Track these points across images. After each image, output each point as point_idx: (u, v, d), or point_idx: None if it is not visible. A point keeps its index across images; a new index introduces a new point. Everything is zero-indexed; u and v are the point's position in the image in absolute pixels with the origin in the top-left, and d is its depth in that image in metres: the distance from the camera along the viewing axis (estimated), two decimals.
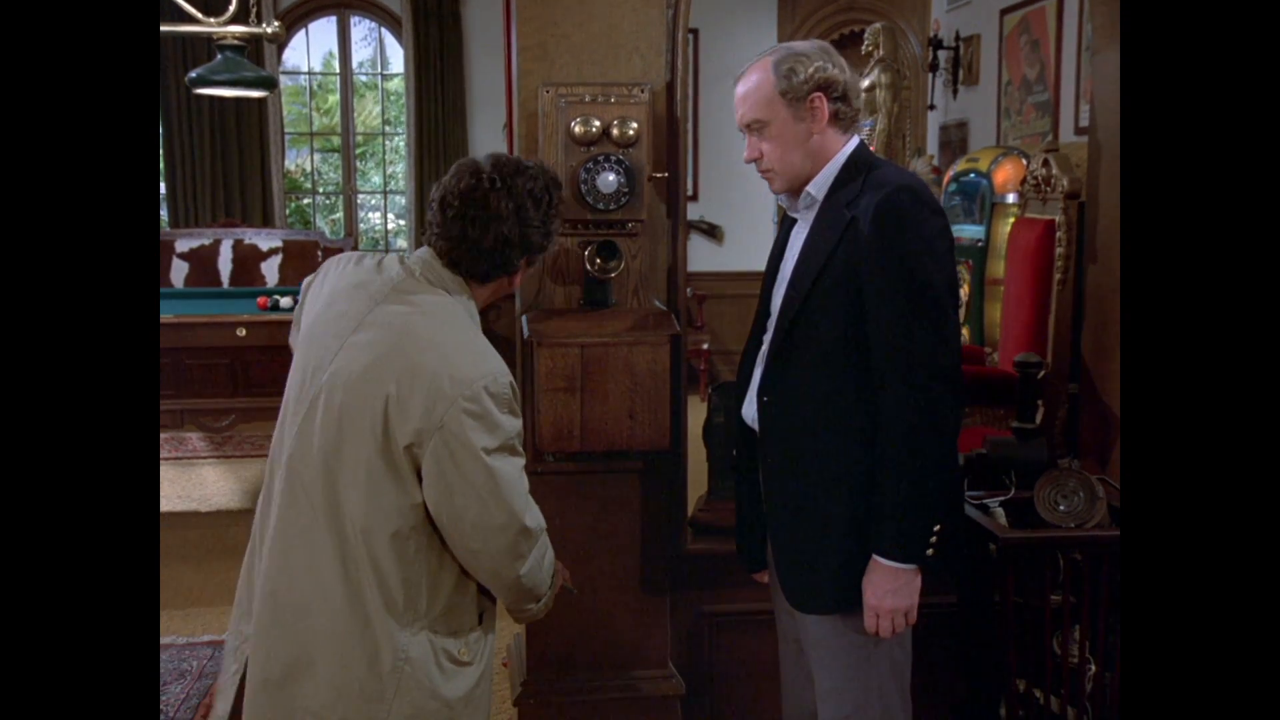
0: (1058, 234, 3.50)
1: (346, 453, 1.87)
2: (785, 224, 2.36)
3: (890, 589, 2.08)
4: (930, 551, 2.06)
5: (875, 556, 2.09)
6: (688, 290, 2.94)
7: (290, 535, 1.91)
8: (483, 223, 1.93)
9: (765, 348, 2.27)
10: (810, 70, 2.12)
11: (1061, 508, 2.36)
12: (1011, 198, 4.75)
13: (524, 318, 2.70)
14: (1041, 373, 3.08)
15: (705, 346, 7.49)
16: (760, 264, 2.42)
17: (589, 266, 2.64)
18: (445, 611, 1.93)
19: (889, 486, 2.06)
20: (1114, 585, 2.31)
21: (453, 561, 1.92)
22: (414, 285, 1.95)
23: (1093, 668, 2.37)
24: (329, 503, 1.88)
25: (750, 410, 2.31)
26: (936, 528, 2.07)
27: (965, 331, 4.84)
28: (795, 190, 2.22)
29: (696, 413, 2.98)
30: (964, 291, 5.05)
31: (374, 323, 1.91)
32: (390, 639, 1.87)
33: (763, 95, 2.15)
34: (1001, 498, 2.53)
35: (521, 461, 1.92)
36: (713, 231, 8.49)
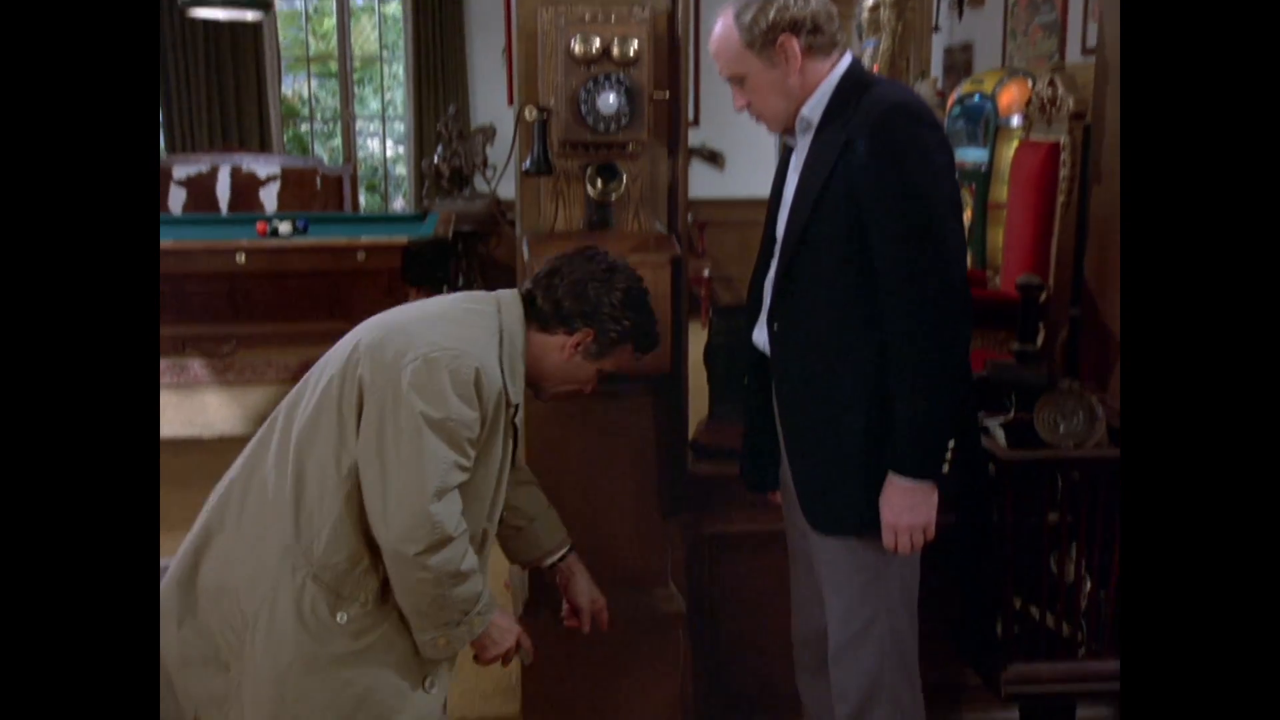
0: (1062, 156, 3.47)
1: (319, 387, 1.99)
2: (787, 149, 2.35)
3: (907, 506, 2.10)
4: (946, 468, 2.08)
5: (891, 474, 2.11)
6: (689, 217, 2.92)
7: (254, 451, 2.06)
8: (575, 266, 2.11)
9: (772, 273, 2.26)
10: (771, 15, 2.08)
11: (1061, 428, 2.37)
12: (1016, 120, 4.69)
13: (524, 240, 2.69)
14: (1043, 295, 3.08)
15: (706, 274, 7.47)
16: (763, 190, 2.41)
17: (589, 189, 2.63)
18: (334, 571, 1.94)
19: (902, 405, 2.08)
20: (1111, 504, 2.33)
21: (364, 531, 1.94)
22: (479, 307, 2.09)
23: (1088, 585, 2.40)
24: (286, 422, 2.02)
25: (761, 336, 2.31)
26: (951, 443, 2.09)
27: (968, 256, 4.82)
28: (790, 125, 2.21)
29: (698, 339, 2.98)
30: (966, 216, 5.02)
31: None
32: (277, 560, 1.94)
33: (730, 50, 2.14)
34: (1001, 419, 2.54)
35: (456, 459, 1.91)
36: (714, 158, 8.42)
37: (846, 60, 2.16)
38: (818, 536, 2.28)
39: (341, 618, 1.94)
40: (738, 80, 2.16)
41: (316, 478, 1.95)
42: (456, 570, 1.93)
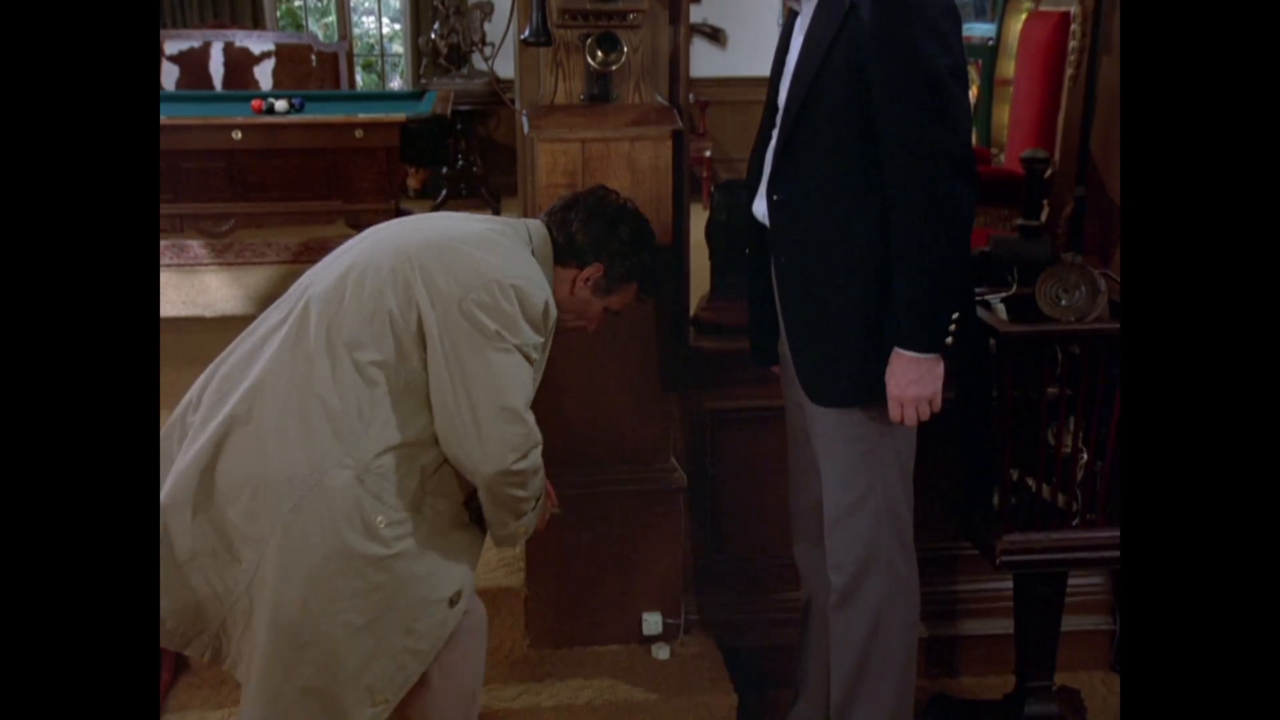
0: (1072, 26, 3.40)
1: (364, 294, 1.98)
2: (790, 19, 2.30)
3: (913, 378, 2.12)
4: (950, 340, 2.10)
5: (896, 348, 2.12)
6: (690, 96, 2.88)
7: (285, 343, 2.00)
8: (588, 202, 2.19)
9: (773, 144, 2.24)
10: None
11: (1063, 302, 2.36)
12: None
13: (523, 113, 2.65)
14: (1048, 171, 3.04)
15: (708, 154, 7.37)
16: (765, 69, 2.36)
17: (589, 59, 2.57)
18: (378, 474, 1.94)
19: (905, 277, 2.08)
20: (1111, 378, 2.34)
21: (411, 438, 1.97)
22: (515, 234, 2.13)
23: (1085, 457, 2.43)
24: (324, 319, 1.98)
25: (761, 207, 2.30)
26: (955, 315, 2.10)
27: (973, 134, 4.76)
28: None
29: (699, 220, 2.96)
30: (973, 93, 4.94)
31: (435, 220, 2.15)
32: (320, 458, 1.92)
33: None
34: (1003, 294, 2.53)
35: (532, 374, 2.03)
36: (716, 35, 8.24)
37: None
38: (815, 409, 2.30)
39: (380, 521, 1.94)
40: None
41: (369, 385, 1.94)
42: (539, 465, 2.07)
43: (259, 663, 1.94)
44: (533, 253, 2.13)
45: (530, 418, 2.01)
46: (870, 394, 2.21)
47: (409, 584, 1.99)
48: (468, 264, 1.97)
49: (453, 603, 2.04)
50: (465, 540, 2.11)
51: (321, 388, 1.93)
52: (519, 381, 1.98)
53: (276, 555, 1.91)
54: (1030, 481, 2.47)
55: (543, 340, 2.04)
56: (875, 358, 2.18)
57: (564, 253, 2.17)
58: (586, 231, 2.16)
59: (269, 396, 1.95)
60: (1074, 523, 2.47)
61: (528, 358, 2.00)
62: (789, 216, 2.21)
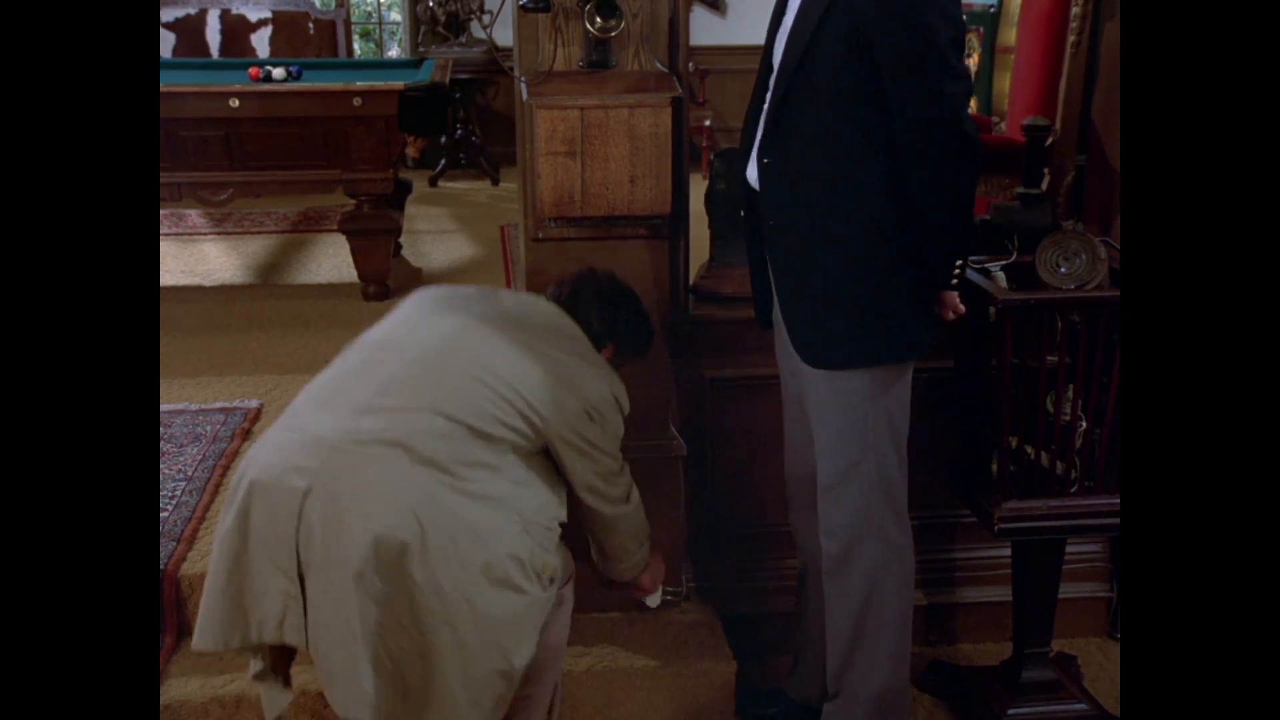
0: None
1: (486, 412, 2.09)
2: None
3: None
4: (955, 280, 2.24)
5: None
6: (690, 65, 2.86)
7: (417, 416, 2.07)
8: (594, 285, 2.38)
9: (766, 106, 2.25)
10: None
11: (1063, 269, 2.36)
12: None
13: (522, 81, 2.64)
14: (1049, 138, 3.03)
15: (707, 123, 7.33)
16: (764, 37, 2.35)
17: (588, 25, 2.55)
18: (544, 526, 2.13)
19: (927, 238, 2.18)
20: (1110, 345, 2.34)
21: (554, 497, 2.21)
22: (565, 322, 2.29)
23: (1084, 424, 2.43)
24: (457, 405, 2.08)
25: (753, 171, 2.30)
26: (959, 261, 2.23)
27: (973, 103, 4.73)
28: None
29: (699, 189, 2.95)
30: (974, 61, 4.92)
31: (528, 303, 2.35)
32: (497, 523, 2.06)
33: None
34: (1003, 262, 2.53)
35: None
36: (715, 3, 8.18)
37: None
38: (808, 375, 2.31)
39: (535, 567, 2.09)
40: None
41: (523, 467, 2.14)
42: (639, 502, 2.40)
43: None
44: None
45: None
46: (863, 357, 2.24)
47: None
48: (577, 398, 2.19)
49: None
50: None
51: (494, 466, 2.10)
52: (614, 451, 2.33)
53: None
54: (1029, 449, 2.48)
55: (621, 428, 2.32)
56: (866, 321, 2.22)
57: (590, 330, 2.30)
58: (600, 319, 2.32)
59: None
60: (1072, 490, 2.47)
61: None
62: (779, 179, 2.23)
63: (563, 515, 2.23)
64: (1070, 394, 2.40)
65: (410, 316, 2.26)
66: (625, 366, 2.41)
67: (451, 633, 1.98)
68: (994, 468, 2.49)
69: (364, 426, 2.01)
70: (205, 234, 5.83)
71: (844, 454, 2.31)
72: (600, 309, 2.33)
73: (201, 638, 2.08)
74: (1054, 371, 2.39)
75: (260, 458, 2.04)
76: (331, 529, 1.95)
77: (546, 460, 2.21)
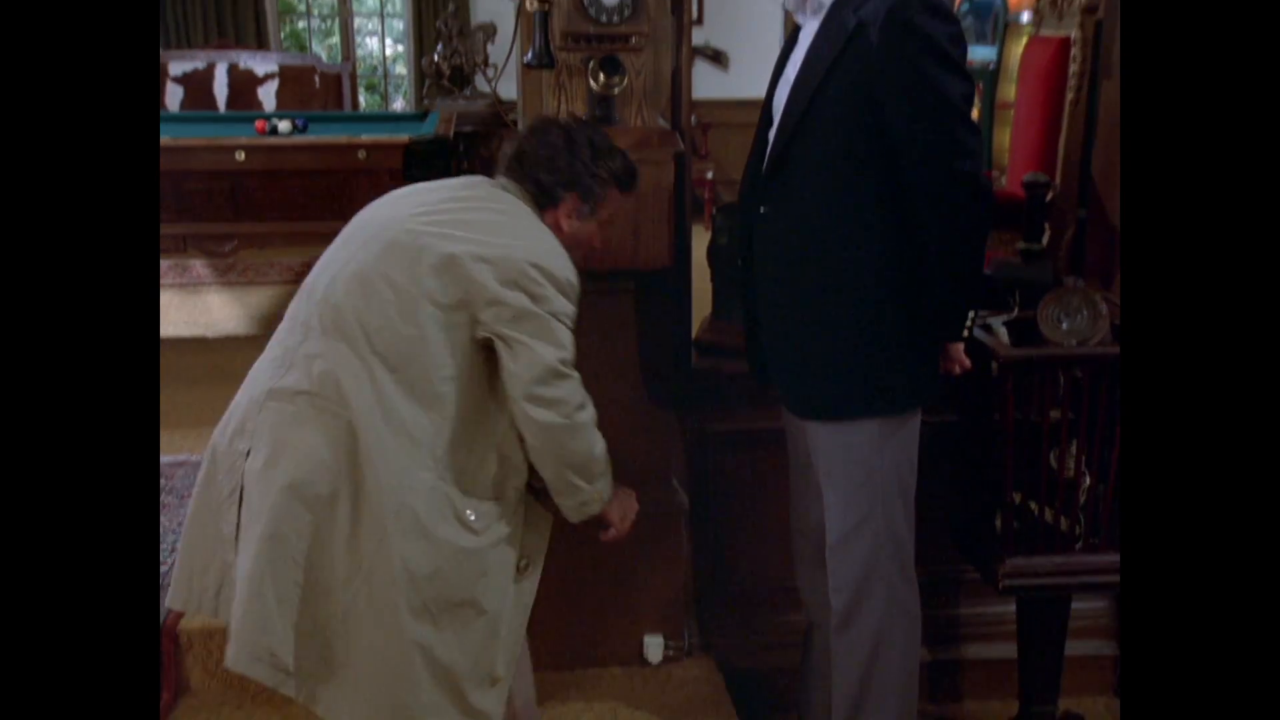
0: (1072, 51, 3.42)
1: (405, 302, 1.98)
2: (792, 33, 2.32)
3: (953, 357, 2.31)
4: (966, 333, 2.24)
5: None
6: (692, 118, 2.89)
7: (316, 345, 2.03)
8: (535, 142, 2.16)
9: (766, 156, 2.26)
10: None
11: (1064, 325, 2.36)
12: (1026, 17, 4.60)
13: None
14: (1049, 194, 3.05)
15: (710, 175, 7.40)
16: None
17: (592, 82, 2.59)
18: (459, 469, 2.02)
19: (940, 286, 2.18)
20: (1113, 401, 2.34)
21: (484, 432, 2.04)
22: (505, 196, 2.14)
23: (1088, 480, 2.42)
24: (371, 330, 1.99)
25: (751, 220, 2.32)
26: (972, 314, 2.24)
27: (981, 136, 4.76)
28: None
29: (701, 241, 2.96)
30: (974, 115, 4.95)
31: (448, 198, 2.13)
32: (399, 463, 1.96)
33: None
34: (1005, 317, 2.53)
35: (568, 334, 2.06)
36: (718, 57, 8.28)
37: None
38: (813, 429, 2.30)
39: (470, 514, 2.03)
40: None
41: (432, 383, 1.99)
42: (581, 403, 2.09)
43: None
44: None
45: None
46: (858, 409, 2.23)
47: (499, 565, 2.10)
48: (502, 253, 2.01)
49: (522, 568, 2.14)
50: (539, 513, 2.22)
51: (387, 406, 1.97)
52: (554, 345, 2.05)
53: (386, 558, 1.98)
54: (1033, 505, 2.46)
55: (575, 310, 2.09)
56: (859, 371, 2.21)
57: (540, 200, 2.16)
58: (548, 171, 2.14)
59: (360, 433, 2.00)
60: (1077, 547, 2.46)
61: (567, 325, 2.06)
62: (777, 231, 2.24)
63: (496, 465, 2.08)
64: (1074, 450, 2.40)
65: (330, 249, 2.18)
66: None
67: (369, 594, 1.97)
68: (998, 524, 2.48)
69: (286, 382, 2.03)
70: (209, 284, 5.83)
71: (853, 509, 2.30)
72: (544, 161, 2.15)
73: (171, 597, 2.15)
74: (1057, 427, 2.39)
75: (222, 420, 2.11)
76: (260, 490, 1.97)
77: (490, 397, 2.08)
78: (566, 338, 2.05)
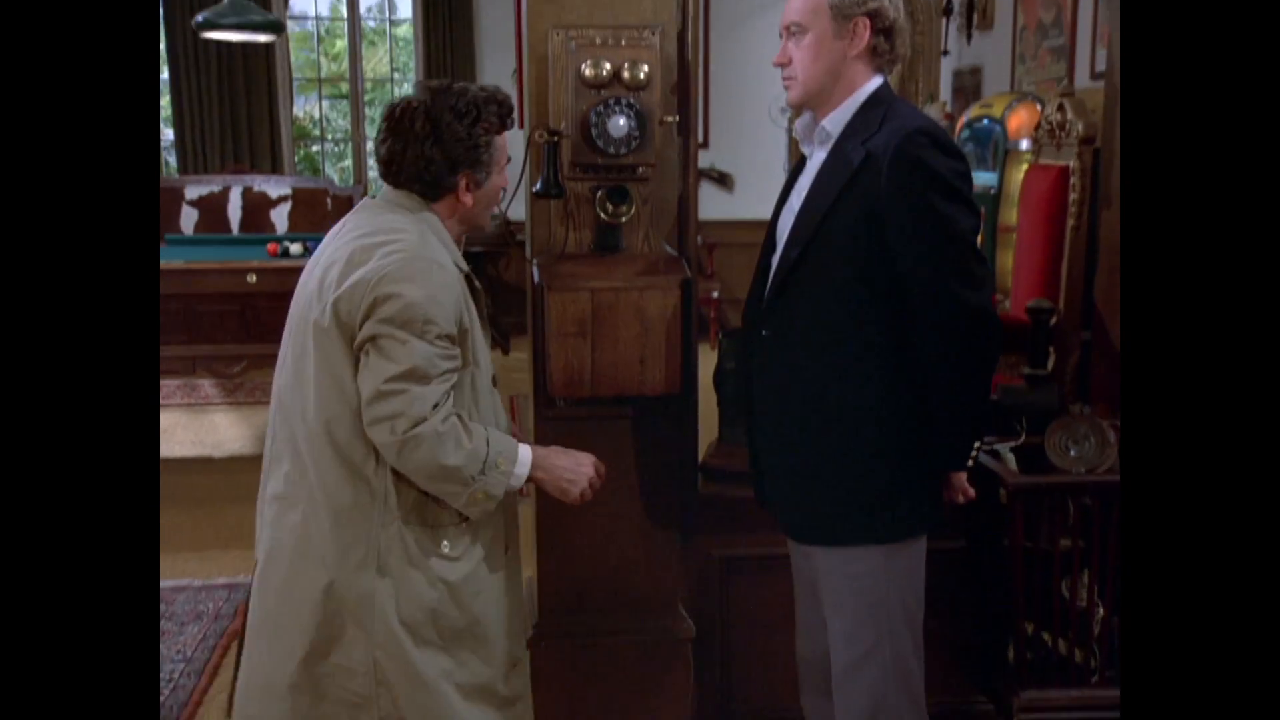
0: (1072, 180, 3.47)
1: (306, 355, 1.99)
2: (799, 162, 2.36)
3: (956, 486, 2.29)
4: (970, 463, 2.21)
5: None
6: (698, 239, 2.93)
7: (277, 445, 2.06)
8: (403, 142, 2.00)
9: (769, 281, 2.28)
10: None
11: (1073, 453, 2.36)
12: (1025, 144, 4.70)
13: (534, 263, 2.70)
14: (1053, 319, 3.07)
15: (716, 295, 7.48)
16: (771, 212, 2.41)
17: (599, 211, 2.63)
18: (416, 505, 2.01)
19: (944, 417, 2.16)
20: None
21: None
22: (374, 207, 2.08)
23: (1101, 611, 2.38)
24: (300, 406, 2.01)
25: (751, 344, 2.33)
26: (977, 443, 2.21)
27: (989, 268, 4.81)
28: (810, 105, 2.23)
29: (707, 361, 2.98)
30: (978, 241, 5.02)
31: (332, 244, 2.08)
32: (364, 533, 1.98)
33: (812, 2, 2.16)
34: (1012, 444, 2.53)
35: (435, 351, 1.94)
36: (723, 179, 8.44)
37: (878, 80, 2.18)
38: (819, 556, 2.28)
39: (445, 546, 2.03)
40: (797, 30, 2.18)
41: (349, 436, 1.97)
42: (416, 418, 1.93)
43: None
44: (420, 219, 2.06)
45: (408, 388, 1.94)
46: (858, 535, 2.21)
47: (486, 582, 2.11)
48: (359, 274, 1.95)
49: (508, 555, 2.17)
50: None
51: (323, 472, 1.99)
52: (407, 358, 1.94)
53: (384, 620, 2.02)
54: (1046, 636, 2.43)
55: (451, 315, 1.97)
56: (859, 497, 2.20)
57: (431, 193, 2.07)
58: (429, 163, 2.02)
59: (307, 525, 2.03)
60: (1093, 679, 2.41)
61: (428, 333, 1.94)
62: (778, 353, 2.24)
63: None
64: (1086, 579, 2.37)
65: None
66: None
67: (385, 656, 2.01)
68: (1011, 654, 2.43)
69: (268, 489, 2.08)
70: (217, 404, 5.87)
71: (859, 639, 2.26)
72: (419, 157, 2.02)
73: None
74: (1068, 556, 2.36)
75: None
76: (260, 594, 2.08)
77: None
78: (411, 351, 1.92)
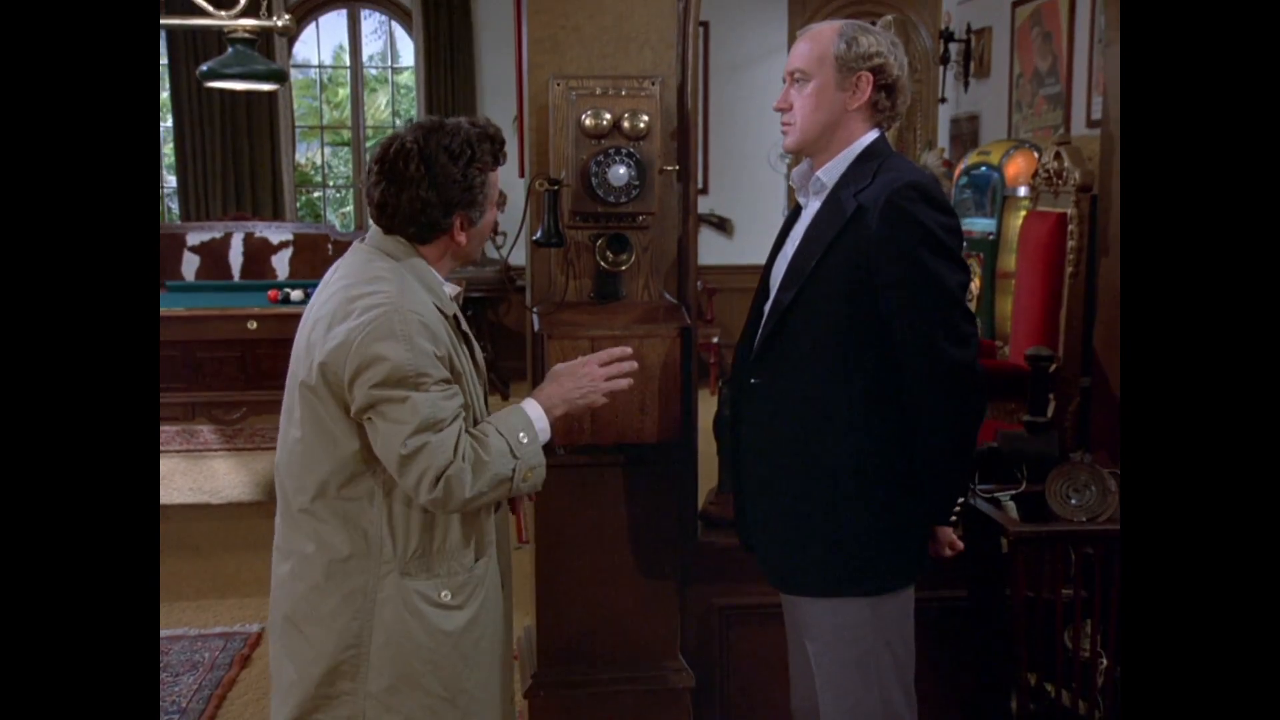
0: (1069, 227, 3.49)
1: (294, 411, 1.99)
2: (791, 214, 2.37)
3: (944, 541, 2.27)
4: (954, 518, 2.19)
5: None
6: (698, 284, 2.94)
7: (281, 512, 2.05)
8: (397, 186, 1.96)
9: (760, 330, 2.28)
10: (871, 49, 2.16)
11: (1073, 501, 2.35)
12: (1023, 191, 4.74)
13: (534, 310, 2.70)
14: (1053, 366, 3.07)
15: (715, 340, 7.48)
16: None
17: (599, 259, 2.64)
18: (417, 555, 1.98)
19: (931, 472, 2.16)
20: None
21: (413, 505, 1.96)
22: (362, 252, 2.04)
23: (1104, 662, 2.37)
24: (287, 461, 2.01)
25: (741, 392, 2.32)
26: (960, 499, 2.19)
27: (978, 326, 4.83)
28: (805, 152, 2.25)
29: (707, 406, 2.97)
30: (975, 285, 5.04)
31: (319, 298, 2.04)
32: (361, 585, 1.96)
33: (818, 51, 2.18)
34: (1013, 491, 2.52)
35: (430, 398, 1.89)
36: (723, 225, 8.47)
37: (875, 134, 2.20)
38: (805, 607, 2.26)
39: (445, 595, 1.99)
40: (800, 78, 2.20)
41: (342, 488, 1.96)
42: (439, 473, 1.89)
43: None
44: (403, 270, 2.00)
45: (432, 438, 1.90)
46: (844, 587, 2.19)
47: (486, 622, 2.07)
48: (341, 336, 1.91)
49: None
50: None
51: (319, 528, 1.98)
52: (413, 412, 1.89)
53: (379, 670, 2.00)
54: (1049, 686, 2.40)
55: (430, 354, 1.90)
56: (846, 549, 2.18)
57: (424, 235, 2.02)
58: (425, 206, 1.97)
59: (299, 591, 2.03)
60: None
61: (421, 381, 1.89)
62: (766, 402, 2.24)
63: (459, 524, 2.01)
64: (1089, 629, 2.35)
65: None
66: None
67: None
68: (1013, 705, 2.41)
69: (279, 544, 2.08)
70: (216, 450, 5.86)
71: (847, 692, 2.22)
72: (413, 202, 1.96)
73: None
74: (1070, 605, 2.35)
75: None
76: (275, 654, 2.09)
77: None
78: (414, 407, 1.87)
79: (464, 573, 2.02)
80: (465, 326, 2.11)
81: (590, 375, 2.11)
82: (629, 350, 2.15)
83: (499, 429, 1.98)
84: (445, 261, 2.08)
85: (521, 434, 1.99)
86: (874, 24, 2.30)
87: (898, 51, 2.20)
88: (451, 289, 2.11)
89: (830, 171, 2.20)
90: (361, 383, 1.87)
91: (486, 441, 1.95)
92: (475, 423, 2.04)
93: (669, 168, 2.66)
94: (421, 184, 1.95)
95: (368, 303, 1.91)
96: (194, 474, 5.42)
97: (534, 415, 2.04)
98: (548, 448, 2.08)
